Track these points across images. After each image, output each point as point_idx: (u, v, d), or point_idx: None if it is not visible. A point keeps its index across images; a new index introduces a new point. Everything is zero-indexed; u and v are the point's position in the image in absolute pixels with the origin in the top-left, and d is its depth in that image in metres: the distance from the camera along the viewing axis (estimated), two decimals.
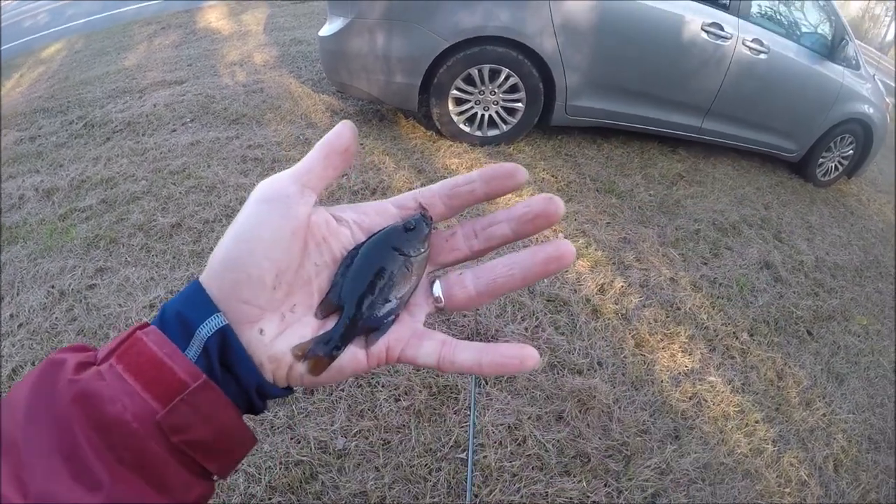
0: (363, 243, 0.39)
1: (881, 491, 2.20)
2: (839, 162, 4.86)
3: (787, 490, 2.02)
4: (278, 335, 0.36)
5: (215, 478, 0.35)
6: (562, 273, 2.60)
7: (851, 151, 4.83)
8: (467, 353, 0.38)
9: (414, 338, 0.39)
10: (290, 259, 0.36)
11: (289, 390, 0.38)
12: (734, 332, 2.62)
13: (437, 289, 0.40)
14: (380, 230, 0.40)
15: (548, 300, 2.45)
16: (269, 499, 1.61)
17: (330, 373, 0.37)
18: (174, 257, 2.50)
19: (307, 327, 0.37)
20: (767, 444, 2.14)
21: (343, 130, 0.38)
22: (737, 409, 2.23)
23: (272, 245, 0.35)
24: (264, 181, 0.37)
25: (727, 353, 2.50)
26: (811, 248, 3.65)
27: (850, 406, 2.51)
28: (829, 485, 2.12)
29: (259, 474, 1.66)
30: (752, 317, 2.77)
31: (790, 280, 3.20)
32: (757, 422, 2.22)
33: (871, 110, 4.65)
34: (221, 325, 0.34)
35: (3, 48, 7.97)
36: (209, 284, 0.35)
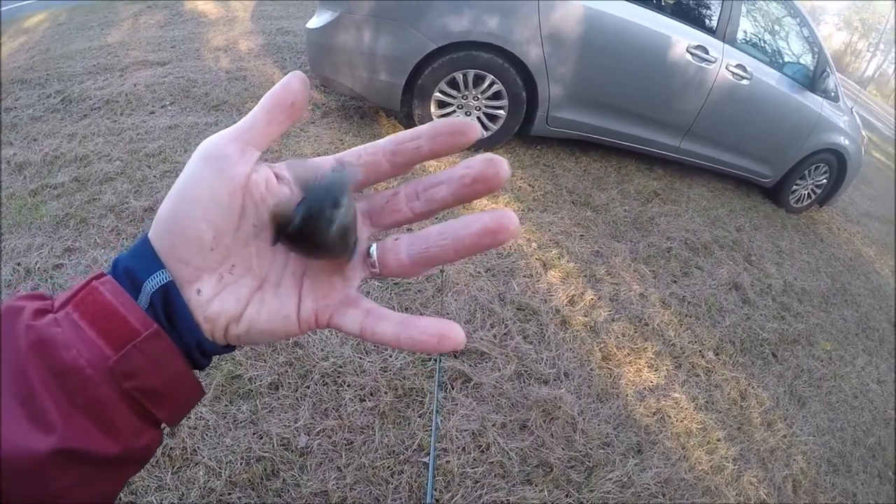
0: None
1: None
2: (812, 190, 4.97)
3: None
4: (214, 296, 0.35)
5: (164, 426, 0.36)
6: (534, 282, 2.61)
7: (825, 180, 4.94)
8: (387, 326, 0.36)
9: (342, 304, 0.38)
10: (228, 221, 0.35)
11: (230, 347, 0.38)
12: (700, 351, 2.66)
13: (374, 252, 0.38)
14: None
15: (518, 308, 2.45)
16: (229, 494, 1.58)
17: (263, 335, 0.37)
18: None
19: (244, 288, 0.36)
20: (728, 463, 2.17)
21: (291, 82, 0.35)
22: (699, 427, 2.26)
23: (209, 206, 0.34)
24: (206, 139, 0.35)
25: (692, 370, 2.53)
26: (780, 273, 3.73)
27: (811, 429, 2.56)
28: None
29: (219, 468, 1.63)
30: (718, 336, 2.82)
31: (758, 302, 3.26)
32: (719, 440, 2.25)
33: (847, 142, 4.77)
34: (165, 281, 0.34)
35: None
36: (155, 241, 0.35)
